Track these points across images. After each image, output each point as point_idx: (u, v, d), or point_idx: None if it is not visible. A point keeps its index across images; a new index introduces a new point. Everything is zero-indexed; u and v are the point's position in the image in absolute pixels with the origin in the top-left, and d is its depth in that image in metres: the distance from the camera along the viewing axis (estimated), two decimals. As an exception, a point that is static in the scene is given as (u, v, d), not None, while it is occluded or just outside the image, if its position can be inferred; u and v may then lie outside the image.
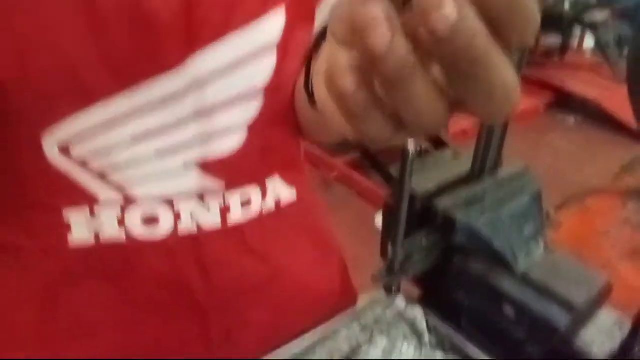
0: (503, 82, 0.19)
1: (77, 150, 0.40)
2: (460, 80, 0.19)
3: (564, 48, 3.53)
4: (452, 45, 0.17)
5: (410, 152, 0.55)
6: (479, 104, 0.20)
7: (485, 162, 0.61)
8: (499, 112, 0.20)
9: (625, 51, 2.83)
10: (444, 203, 0.58)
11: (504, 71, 0.19)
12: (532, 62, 3.42)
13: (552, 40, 3.60)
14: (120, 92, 0.38)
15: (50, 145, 0.39)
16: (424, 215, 0.59)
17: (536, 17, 0.20)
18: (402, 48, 0.18)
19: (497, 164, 0.63)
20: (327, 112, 0.30)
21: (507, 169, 0.64)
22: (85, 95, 0.38)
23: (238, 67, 0.42)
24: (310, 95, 0.36)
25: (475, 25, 0.17)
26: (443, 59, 0.18)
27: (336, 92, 0.21)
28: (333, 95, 0.21)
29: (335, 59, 0.20)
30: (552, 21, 3.23)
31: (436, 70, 0.20)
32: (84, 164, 0.41)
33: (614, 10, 3.19)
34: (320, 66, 0.32)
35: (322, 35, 0.35)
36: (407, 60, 0.18)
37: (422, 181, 0.61)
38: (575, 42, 3.74)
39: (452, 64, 0.18)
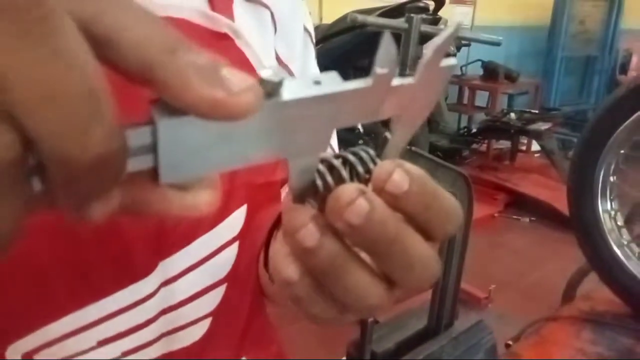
0: (420, 255, 0.22)
1: (42, 356, 0.40)
2: (381, 259, 0.22)
3: (513, 152, 3.78)
4: (368, 232, 0.20)
5: (369, 319, 0.58)
6: (404, 276, 0.22)
7: (441, 319, 0.64)
8: (422, 280, 0.23)
9: (570, 154, 3.04)
10: (403, 364, 0.60)
11: (419, 246, 0.22)
12: (485, 166, 3.63)
13: (503, 145, 3.86)
14: (90, 302, 0.40)
15: (14, 354, 0.40)
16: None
17: (457, 214, 0.23)
18: (330, 243, 0.21)
19: (452, 318, 0.66)
20: (283, 294, 0.33)
21: (463, 322, 0.67)
22: (56, 307, 0.39)
23: (204, 262, 0.45)
24: (269, 272, 0.39)
25: (384, 214, 0.21)
26: (362, 244, 0.21)
27: (280, 281, 0.23)
28: (278, 283, 0.23)
29: (277, 250, 0.23)
30: (501, 130, 3.48)
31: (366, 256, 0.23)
32: None
33: (555, 121, 3.48)
34: (276, 248, 0.35)
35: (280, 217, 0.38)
36: (336, 252, 0.21)
37: (382, 339, 0.63)
38: (523, 147, 4.02)
39: (371, 247, 0.21)
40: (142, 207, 0.19)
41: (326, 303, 0.23)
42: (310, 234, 0.21)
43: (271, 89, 0.18)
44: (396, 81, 0.20)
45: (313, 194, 0.22)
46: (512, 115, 3.44)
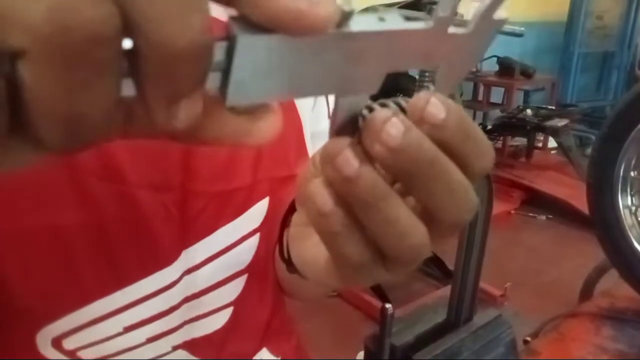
0: (459, 181, 0.21)
1: (70, 343, 0.41)
2: (421, 185, 0.21)
3: (529, 149, 3.74)
4: (405, 155, 0.20)
5: (389, 310, 0.58)
6: (444, 204, 0.21)
7: (460, 313, 0.64)
8: (463, 210, 0.22)
9: (588, 151, 3.00)
10: (422, 357, 0.60)
11: (458, 173, 0.21)
12: (500, 163, 3.60)
13: (518, 142, 3.82)
14: (117, 289, 0.41)
15: (44, 340, 0.41)
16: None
17: (491, 148, 0.22)
18: (369, 171, 0.20)
19: (472, 313, 0.66)
20: (306, 271, 0.33)
21: (482, 316, 0.67)
22: (84, 293, 0.40)
23: (226, 252, 0.45)
24: (287, 261, 0.39)
25: (419, 135, 0.20)
26: (402, 170, 0.20)
27: (314, 212, 0.22)
28: (311, 217, 0.22)
29: (309, 180, 0.22)
30: (517, 126, 3.44)
31: (410, 200, 0.22)
32: (74, 354, 0.42)
33: (572, 117, 3.43)
34: (292, 232, 0.35)
35: (293, 207, 0.38)
36: (376, 181, 0.20)
37: (402, 332, 0.63)
38: (540, 143, 3.97)
39: (410, 172, 0.21)
40: (201, 131, 0.19)
41: (361, 243, 0.22)
42: (348, 160, 0.20)
43: (343, 17, 0.18)
44: (452, 29, 0.21)
45: (352, 132, 0.22)
46: (528, 111, 3.40)
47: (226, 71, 0.17)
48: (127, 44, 0.15)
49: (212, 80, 0.17)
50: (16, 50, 0.13)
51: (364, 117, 0.21)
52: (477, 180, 0.23)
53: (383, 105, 0.22)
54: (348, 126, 0.22)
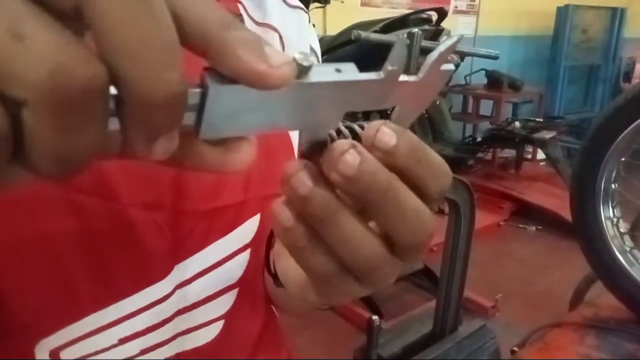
0: (412, 207, 0.23)
1: (67, 354, 0.43)
2: (376, 211, 0.23)
3: (519, 161, 3.78)
4: (360, 183, 0.22)
5: (375, 322, 0.60)
6: (398, 229, 0.24)
7: (445, 324, 0.66)
8: (417, 234, 0.24)
9: (575, 163, 3.04)
10: (409, 368, 0.62)
11: (412, 199, 0.23)
12: (490, 175, 3.64)
13: (508, 154, 3.87)
14: (111, 302, 0.42)
15: (42, 351, 0.42)
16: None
17: (446, 170, 0.25)
18: (321, 190, 0.23)
19: (457, 323, 0.68)
20: (289, 285, 0.35)
21: (467, 327, 0.69)
22: (80, 307, 0.41)
23: (217, 267, 0.47)
24: (274, 276, 0.41)
25: (375, 165, 0.22)
26: (357, 196, 0.23)
27: (279, 228, 0.24)
28: (277, 233, 0.25)
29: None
30: (506, 138, 3.49)
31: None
32: None
33: (560, 129, 3.49)
34: (276, 249, 0.37)
35: None
36: (328, 200, 0.23)
37: (389, 343, 0.65)
38: (529, 155, 4.02)
39: (365, 198, 0.23)
40: (181, 160, 0.22)
41: (324, 255, 0.24)
42: (302, 180, 0.23)
43: (301, 71, 0.21)
44: (403, 77, 0.24)
45: (320, 153, 0.24)
46: (517, 123, 3.45)
47: (200, 112, 0.20)
48: (113, 90, 0.18)
49: (188, 119, 0.20)
50: (20, 101, 0.16)
51: (332, 139, 0.24)
52: (436, 202, 0.25)
53: (349, 128, 0.25)
54: (316, 148, 0.24)
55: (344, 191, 0.23)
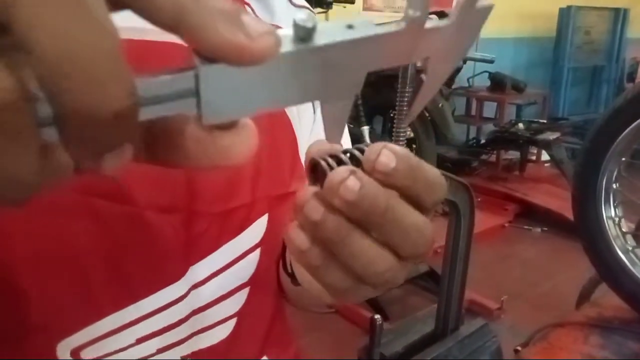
0: (412, 222, 0.25)
1: (88, 354, 0.44)
2: (379, 229, 0.25)
3: (523, 163, 3.78)
4: (361, 207, 0.23)
5: (378, 321, 0.61)
6: (401, 243, 0.25)
7: (447, 324, 0.68)
8: (418, 245, 0.25)
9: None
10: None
11: (411, 215, 0.25)
12: (494, 177, 3.64)
13: (512, 155, 3.87)
14: (129, 303, 0.44)
15: (63, 350, 0.43)
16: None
17: (441, 183, 0.26)
18: (332, 215, 0.24)
19: (458, 323, 0.69)
20: (305, 283, 0.37)
21: (468, 326, 0.70)
22: (99, 308, 0.43)
23: (229, 267, 0.49)
24: (291, 275, 0.43)
25: (374, 189, 0.24)
26: (359, 217, 0.24)
27: (293, 250, 0.26)
28: (293, 254, 0.26)
29: (288, 228, 0.26)
30: (510, 140, 3.49)
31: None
32: None
33: (564, 130, 3.49)
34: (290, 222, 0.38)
35: None
36: (339, 223, 0.24)
37: (391, 343, 0.66)
38: (533, 157, 4.02)
39: (367, 219, 0.24)
40: (180, 155, 0.20)
41: (340, 271, 0.26)
42: (314, 208, 0.24)
43: (305, 34, 0.18)
44: (430, 23, 0.21)
45: (323, 177, 0.25)
46: (521, 125, 3.46)
47: (197, 96, 0.18)
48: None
49: (189, 105, 0.18)
50: None
51: (330, 166, 0.25)
52: (432, 212, 0.27)
53: (347, 153, 0.25)
54: (320, 176, 0.25)
55: (347, 214, 0.24)
